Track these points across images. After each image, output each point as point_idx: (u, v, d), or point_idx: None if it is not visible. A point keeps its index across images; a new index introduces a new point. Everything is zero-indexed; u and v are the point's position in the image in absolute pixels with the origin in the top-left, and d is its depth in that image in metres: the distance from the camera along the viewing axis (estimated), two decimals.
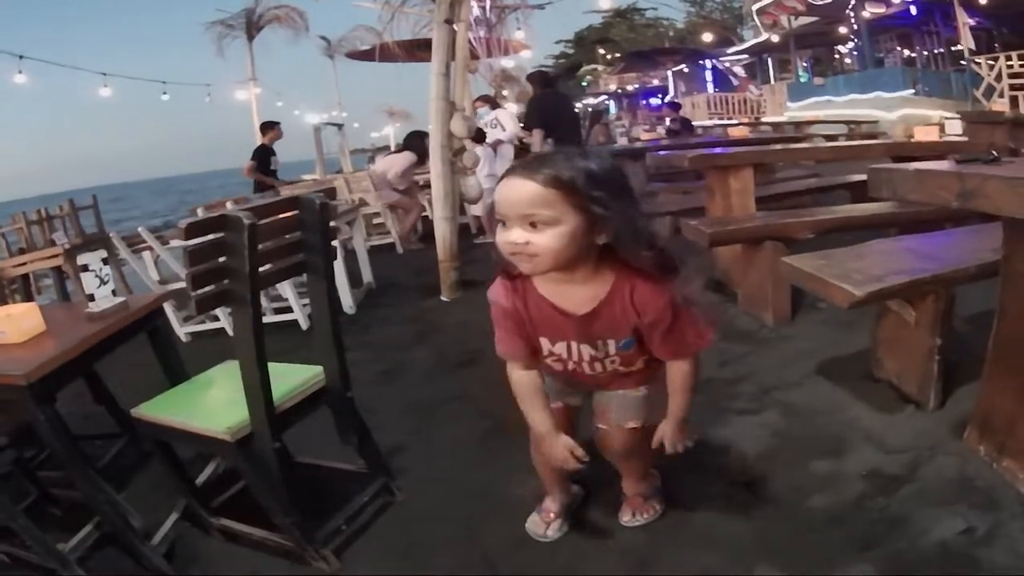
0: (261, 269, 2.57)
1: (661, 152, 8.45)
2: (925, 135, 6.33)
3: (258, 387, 2.64)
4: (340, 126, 16.77)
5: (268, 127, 12.05)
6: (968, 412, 3.11)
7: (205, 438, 2.76)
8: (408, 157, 10.15)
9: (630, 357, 2.43)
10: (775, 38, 29.59)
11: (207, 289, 2.52)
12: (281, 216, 2.76)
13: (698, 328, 2.35)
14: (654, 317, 2.26)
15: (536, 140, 9.55)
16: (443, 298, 6.79)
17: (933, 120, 16.93)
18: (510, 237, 2.06)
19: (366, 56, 16.40)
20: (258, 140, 12.16)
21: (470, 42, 9.18)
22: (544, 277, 2.24)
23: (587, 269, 2.20)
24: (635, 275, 2.20)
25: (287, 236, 2.79)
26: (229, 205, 6.79)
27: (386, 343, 5.69)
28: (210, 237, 2.47)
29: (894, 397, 3.57)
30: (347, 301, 6.62)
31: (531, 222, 2.02)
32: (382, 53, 13.54)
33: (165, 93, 22.62)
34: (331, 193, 3.03)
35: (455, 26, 6.92)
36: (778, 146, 8.06)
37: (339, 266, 6.39)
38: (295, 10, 18.90)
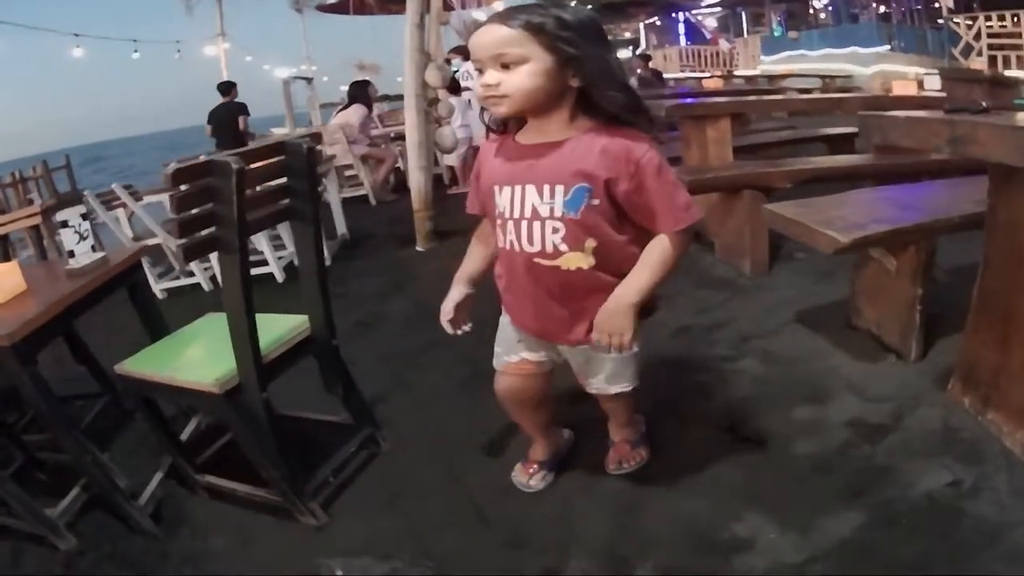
0: (249, 215, 2.51)
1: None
2: (903, 89, 6.38)
3: (246, 337, 2.59)
4: (310, 80, 16.58)
5: (229, 87, 12.65)
6: (950, 364, 3.12)
7: (192, 391, 2.71)
8: (360, 110, 10.13)
9: (575, 227, 2.16)
10: None
11: (194, 237, 2.45)
12: (267, 162, 2.68)
13: (685, 195, 2.18)
14: (635, 168, 2.10)
15: None
16: (418, 248, 6.76)
17: (909, 76, 16.99)
18: (484, 80, 2.06)
19: (338, 9, 16.22)
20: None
21: None
22: (525, 129, 2.23)
23: (562, 116, 2.15)
24: (614, 129, 2.13)
25: (273, 182, 2.73)
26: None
27: (362, 294, 5.65)
28: (197, 183, 2.41)
29: (874, 346, 3.57)
30: (323, 253, 6.49)
31: (502, 63, 2.03)
32: (354, 6, 13.38)
33: (136, 51, 22.42)
34: (317, 138, 2.95)
35: None
36: (755, 97, 8.04)
37: None
38: None
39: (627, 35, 44.01)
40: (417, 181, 6.72)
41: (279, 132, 12.45)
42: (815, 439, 2.92)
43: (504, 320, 2.69)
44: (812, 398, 3.21)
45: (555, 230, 2.17)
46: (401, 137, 10.31)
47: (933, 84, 6.70)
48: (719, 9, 36.30)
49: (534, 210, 2.18)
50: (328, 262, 6.51)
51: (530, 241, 2.22)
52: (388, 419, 3.49)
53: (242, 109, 12.19)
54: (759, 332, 3.93)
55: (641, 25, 40.95)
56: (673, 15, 38.91)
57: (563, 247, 2.19)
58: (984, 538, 2.29)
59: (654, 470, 2.87)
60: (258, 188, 2.68)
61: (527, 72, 2.02)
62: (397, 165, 10.35)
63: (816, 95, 8.54)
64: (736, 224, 4.86)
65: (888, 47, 21.18)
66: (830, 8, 31.38)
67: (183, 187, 2.38)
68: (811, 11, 33.47)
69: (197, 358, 2.91)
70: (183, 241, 2.43)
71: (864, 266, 3.66)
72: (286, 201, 2.77)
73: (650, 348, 3.74)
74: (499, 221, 2.29)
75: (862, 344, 3.62)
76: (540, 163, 2.16)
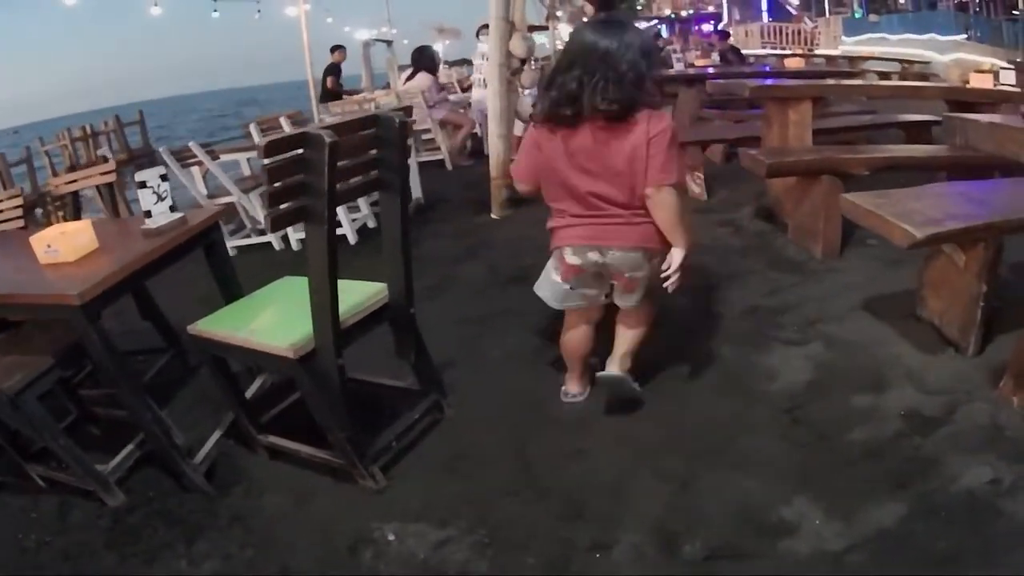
0: (338, 186, 2.57)
1: (719, 79, 8.35)
2: (980, 82, 6.24)
3: (327, 305, 2.66)
4: (389, 43, 16.62)
5: (335, 48, 13.15)
6: (1005, 360, 3.13)
7: (266, 355, 2.78)
8: (426, 78, 10.13)
9: None
10: None
11: (284, 206, 2.53)
12: (360, 133, 2.73)
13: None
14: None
15: None
16: (493, 215, 6.81)
17: (984, 66, 16.58)
18: None
19: None
20: (306, 54, 12.63)
21: None
22: None
23: None
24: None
25: (366, 153, 2.79)
26: (283, 121, 6.83)
27: (435, 258, 5.70)
28: (290, 154, 2.46)
29: (935, 338, 3.59)
30: None
31: None
32: None
33: (216, 11, 22.60)
34: (408, 111, 2.96)
35: None
36: (836, 81, 7.96)
37: None
38: None
39: (710, 8, 43.44)
40: (496, 149, 6.74)
41: (364, 94, 12.54)
42: (870, 427, 2.97)
43: None
44: (872, 386, 3.25)
45: None
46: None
47: (1008, 78, 6.56)
48: None
49: None
50: None
51: None
52: (455, 385, 3.57)
53: (330, 70, 12.67)
54: (826, 316, 3.95)
55: None
56: None
57: None
58: (1017, 537, 2.34)
59: (709, 445, 2.96)
60: (349, 161, 2.72)
61: None
62: (474, 131, 10.37)
63: (896, 83, 8.43)
64: (811, 207, 4.86)
65: (965, 36, 20.64)
66: None
67: (276, 158, 2.44)
68: None
69: (273, 322, 2.95)
70: (272, 210, 2.52)
71: (934, 258, 3.66)
72: (375, 172, 2.83)
73: (720, 327, 3.90)
74: None
75: (924, 335, 3.64)
76: None
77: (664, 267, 2.92)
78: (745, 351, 3.67)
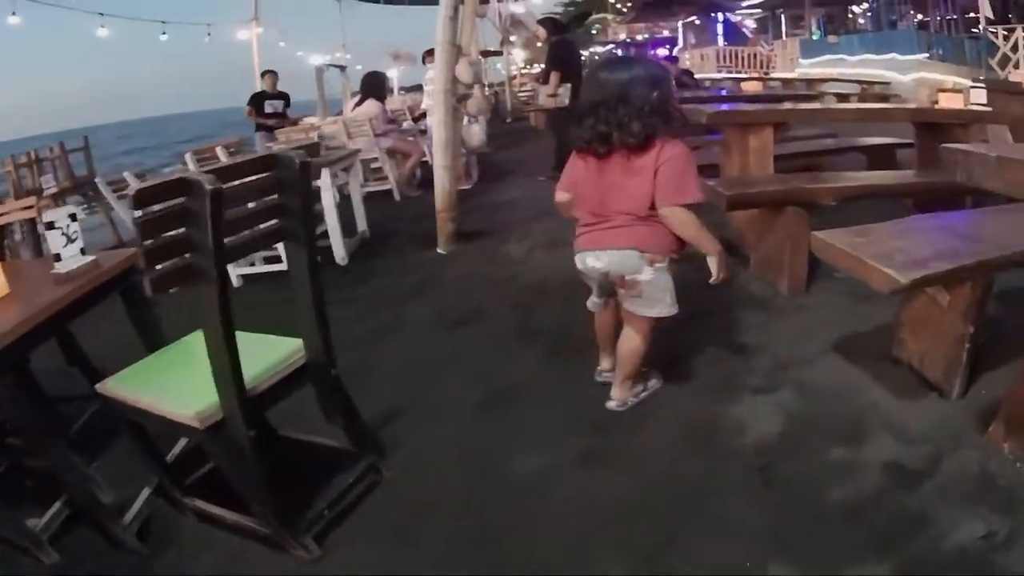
0: (231, 239, 2.27)
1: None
2: (950, 102, 6.08)
3: (228, 373, 2.36)
4: (343, 68, 16.52)
5: (264, 74, 13.21)
6: (991, 401, 2.99)
7: (174, 422, 2.51)
8: (374, 105, 9.90)
9: None
10: None
11: (165, 266, 2.21)
12: (254, 177, 2.44)
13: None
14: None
15: (553, 83, 9.59)
16: (440, 250, 6.55)
17: (947, 85, 16.69)
18: None
19: None
20: (257, 79, 12.53)
21: None
22: None
23: None
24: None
25: (263, 199, 2.50)
26: (219, 151, 6.53)
27: (380, 297, 5.46)
28: (168, 204, 2.16)
29: (915, 382, 3.37)
30: (339, 252, 6.39)
31: None
32: None
33: (164, 33, 22.29)
34: (314, 149, 2.74)
35: None
36: (799, 104, 7.81)
37: (332, 214, 6.24)
38: None
39: (665, 33, 43.75)
40: (441, 181, 6.50)
41: (311, 120, 12.35)
42: (849, 483, 2.77)
43: None
44: (849, 437, 3.04)
45: None
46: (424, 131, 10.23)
47: (979, 97, 6.43)
48: (759, 10, 35.94)
49: None
50: (346, 260, 6.40)
51: None
52: (399, 439, 3.34)
53: (253, 98, 12.68)
54: (796, 360, 3.72)
55: (680, 24, 40.64)
56: (712, 15, 38.58)
57: None
58: None
59: (683, 505, 2.76)
60: (242, 209, 2.43)
61: None
62: (424, 159, 10.09)
63: (863, 105, 8.29)
64: (775, 240, 4.63)
65: (927, 55, 20.83)
66: (869, 14, 31.03)
67: (151, 208, 2.14)
68: (850, 16, 33.12)
69: (184, 383, 2.63)
70: (150, 270, 2.18)
71: (913, 297, 3.42)
72: (276, 221, 2.53)
73: (682, 374, 3.69)
74: None
75: (903, 379, 3.41)
76: None
77: (711, 279, 3.19)
78: (710, 401, 3.42)
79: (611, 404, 3.43)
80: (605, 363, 3.69)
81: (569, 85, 9.60)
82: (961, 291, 3.05)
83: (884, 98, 18.37)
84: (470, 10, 6.91)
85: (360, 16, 21.99)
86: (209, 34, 23.53)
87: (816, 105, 7.57)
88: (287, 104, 12.90)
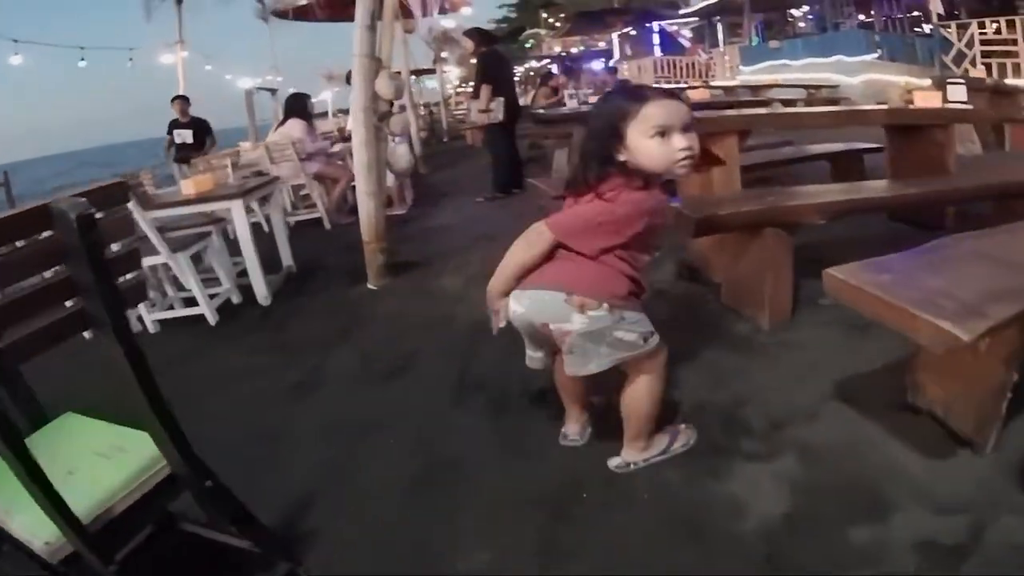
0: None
1: None
2: (926, 101, 5.64)
3: (49, 507, 1.74)
4: (274, 91, 16.03)
5: (173, 100, 12.65)
6: None
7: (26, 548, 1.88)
8: (297, 125, 9.36)
9: None
10: None
11: None
12: (26, 241, 1.75)
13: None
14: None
15: (484, 98, 9.27)
16: (370, 285, 5.99)
17: (899, 85, 16.56)
18: (682, 143, 2.47)
19: (297, 14, 15.57)
20: (203, 108, 12.36)
21: None
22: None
23: None
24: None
25: (41, 274, 1.78)
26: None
27: (303, 343, 4.86)
28: None
29: (939, 434, 2.86)
30: (261, 290, 5.82)
31: (687, 129, 2.49)
32: (314, 11, 12.76)
33: (83, 59, 21.54)
34: (115, 193, 1.93)
35: None
36: (739, 111, 7.38)
37: (250, 249, 5.71)
38: None
39: (601, 45, 43.76)
40: (367, 209, 5.96)
41: (245, 145, 11.79)
42: (875, 571, 2.27)
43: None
44: (870, 511, 2.51)
45: None
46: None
47: (958, 95, 5.99)
48: (695, 19, 36.04)
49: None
50: (268, 300, 5.82)
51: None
52: (321, 529, 2.78)
53: (170, 126, 12.34)
54: (793, 414, 3.16)
55: (614, 36, 40.60)
56: (648, 25, 38.63)
57: None
58: None
59: None
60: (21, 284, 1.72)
61: (697, 136, 2.52)
62: (353, 184, 9.52)
63: (837, 108, 7.92)
64: (751, 266, 4.10)
65: (876, 55, 20.88)
66: (810, 17, 31.14)
67: None
68: (790, 20, 33.27)
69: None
70: None
71: None
72: (71, 303, 1.79)
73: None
74: (647, 262, 2.71)
75: (924, 431, 2.90)
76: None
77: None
78: (697, 474, 2.83)
79: (613, 463, 2.91)
80: (571, 427, 3.15)
81: (502, 99, 9.33)
82: (1006, 333, 2.51)
83: (833, 102, 18.18)
84: (389, 20, 6.34)
85: (292, 36, 21.38)
86: (131, 59, 22.86)
87: (787, 109, 7.07)
88: (206, 132, 12.32)
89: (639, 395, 2.78)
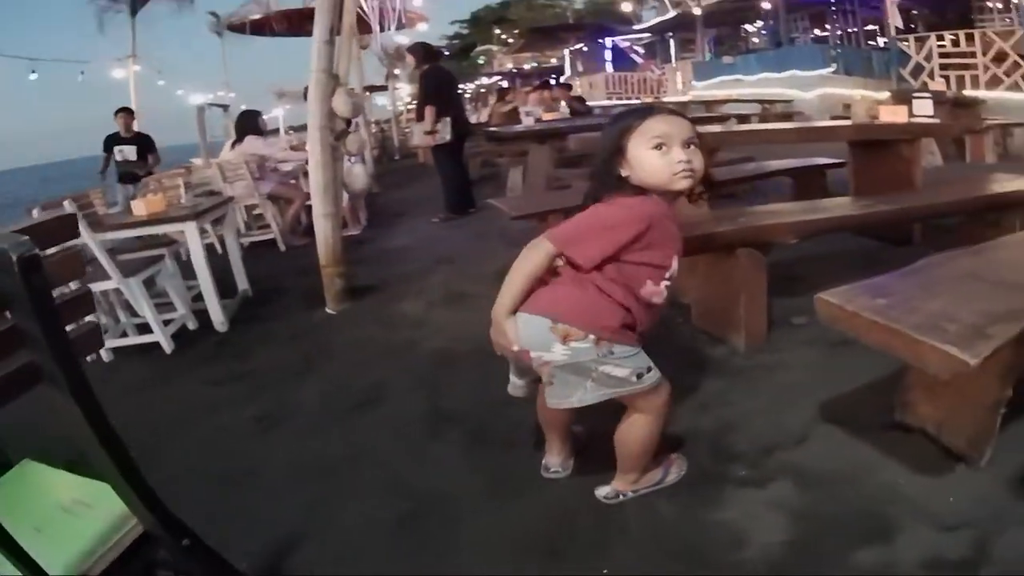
0: None
1: (580, 133, 7.65)
2: (892, 116, 5.66)
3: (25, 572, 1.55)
4: (226, 107, 15.98)
5: (116, 112, 11.98)
6: (1021, 464, 2.69)
7: None
8: (252, 143, 9.21)
9: None
10: (698, 10, 29.07)
11: None
12: None
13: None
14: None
15: (429, 119, 9.11)
16: (329, 310, 5.85)
17: (855, 99, 16.71)
18: (681, 156, 2.49)
19: (253, 28, 15.45)
20: (154, 124, 12.00)
21: (361, 10, 8.36)
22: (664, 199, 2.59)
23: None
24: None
25: None
26: (67, 204, 5.72)
27: (266, 373, 4.69)
28: None
29: (934, 452, 2.86)
30: (217, 316, 5.67)
31: (689, 144, 2.52)
32: (270, 25, 12.62)
33: (34, 72, 21.24)
34: (63, 228, 1.73)
35: None
36: (716, 127, 7.38)
37: (205, 273, 5.56)
38: None
39: (553, 61, 43.92)
40: (324, 231, 5.82)
41: (197, 162, 11.64)
42: None
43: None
44: (873, 533, 2.49)
45: None
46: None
47: (924, 109, 6.04)
48: (648, 35, 36.27)
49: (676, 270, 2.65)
50: (225, 327, 5.67)
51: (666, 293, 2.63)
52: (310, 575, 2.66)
53: (107, 142, 11.74)
54: (781, 438, 3.12)
55: (566, 51, 40.77)
56: (600, 41, 38.82)
57: None
58: None
59: None
60: None
61: (700, 156, 2.57)
62: (308, 203, 9.41)
63: (805, 124, 7.96)
64: (724, 288, 4.05)
65: (831, 70, 21.10)
66: (763, 32, 31.46)
67: None
68: (743, 35, 33.60)
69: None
70: None
71: None
72: (21, 357, 1.56)
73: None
74: (667, 282, 2.61)
75: (917, 449, 2.89)
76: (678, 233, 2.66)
77: None
78: (690, 505, 2.76)
79: (601, 492, 2.85)
80: (552, 458, 3.07)
81: (449, 119, 9.15)
82: (1001, 351, 2.49)
83: (788, 116, 18.37)
84: (347, 35, 6.27)
85: (245, 51, 21.24)
86: (83, 72, 22.58)
87: (746, 125, 7.08)
88: (149, 149, 11.83)
89: (635, 433, 2.71)
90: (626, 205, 2.51)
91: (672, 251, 2.59)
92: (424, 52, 9.79)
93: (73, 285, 2.79)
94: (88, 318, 1.81)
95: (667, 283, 2.59)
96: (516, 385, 2.83)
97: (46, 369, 1.53)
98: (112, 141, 11.62)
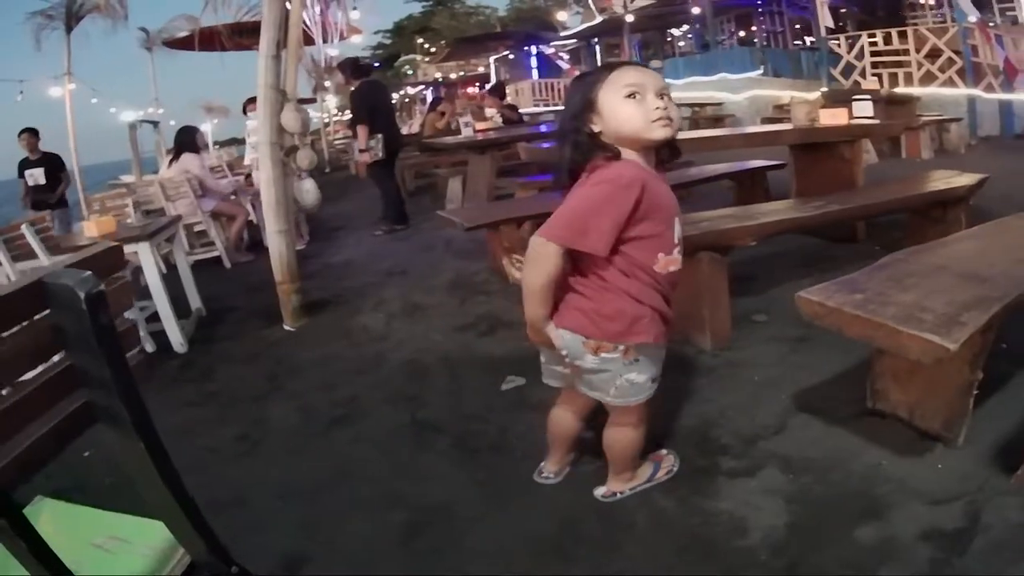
0: None
1: (528, 144, 7.76)
2: (833, 118, 5.85)
3: None
4: (156, 124, 15.88)
5: (20, 133, 11.49)
6: (1001, 441, 2.88)
7: None
8: (193, 161, 9.09)
9: None
10: (629, 18, 29.14)
11: None
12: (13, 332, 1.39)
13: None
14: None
15: (362, 137, 9.23)
16: (287, 327, 5.82)
17: (783, 100, 17.01)
18: (658, 103, 2.41)
19: (186, 43, 15.32)
20: (71, 138, 11.54)
21: (305, 25, 8.34)
22: (643, 161, 2.51)
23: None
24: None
25: (37, 365, 1.45)
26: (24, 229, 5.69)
27: (234, 394, 4.64)
28: None
29: (910, 434, 3.05)
30: (176, 337, 5.60)
31: (663, 94, 2.44)
32: (202, 40, 12.52)
33: None
34: (112, 259, 1.69)
35: (288, 1, 5.98)
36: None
37: (162, 295, 5.53)
38: None
39: (480, 70, 43.98)
40: (278, 248, 5.78)
41: (127, 179, 11.50)
42: (896, 564, 2.40)
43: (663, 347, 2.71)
44: (868, 511, 2.64)
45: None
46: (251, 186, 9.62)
47: (864, 110, 6.25)
48: (573, 41, 36.46)
49: (680, 235, 2.59)
50: (185, 347, 5.60)
51: (680, 264, 2.60)
52: None
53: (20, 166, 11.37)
54: (762, 429, 3.26)
55: (492, 59, 40.86)
56: (525, 48, 38.96)
57: None
58: None
59: None
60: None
61: (675, 106, 2.49)
62: (250, 219, 9.49)
63: (751, 129, 8.13)
64: (688, 292, 4.13)
65: (760, 71, 21.38)
66: (690, 36, 31.82)
67: None
68: (669, 39, 33.93)
69: None
70: None
71: None
72: (77, 398, 1.50)
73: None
74: (678, 247, 2.57)
75: (894, 432, 3.07)
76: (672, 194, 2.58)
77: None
78: (687, 498, 2.86)
79: (599, 492, 2.92)
80: (550, 466, 3.11)
81: (381, 136, 9.26)
82: (971, 336, 2.66)
83: (719, 119, 18.65)
84: (294, 49, 6.23)
85: (174, 67, 21.01)
86: (22, 92, 22.13)
87: (704, 133, 7.25)
88: (59, 169, 11.40)
89: (622, 436, 2.79)
90: (608, 178, 2.40)
91: (669, 213, 2.50)
92: (353, 68, 9.87)
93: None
94: (135, 351, 1.77)
95: (678, 248, 2.54)
96: (553, 371, 2.81)
97: (105, 407, 1.49)
98: (24, 165, 11.23)
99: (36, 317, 1.39)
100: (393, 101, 13.26)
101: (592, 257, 2.44)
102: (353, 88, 9.63)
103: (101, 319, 1.38)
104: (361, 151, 9.27)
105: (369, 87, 9.65)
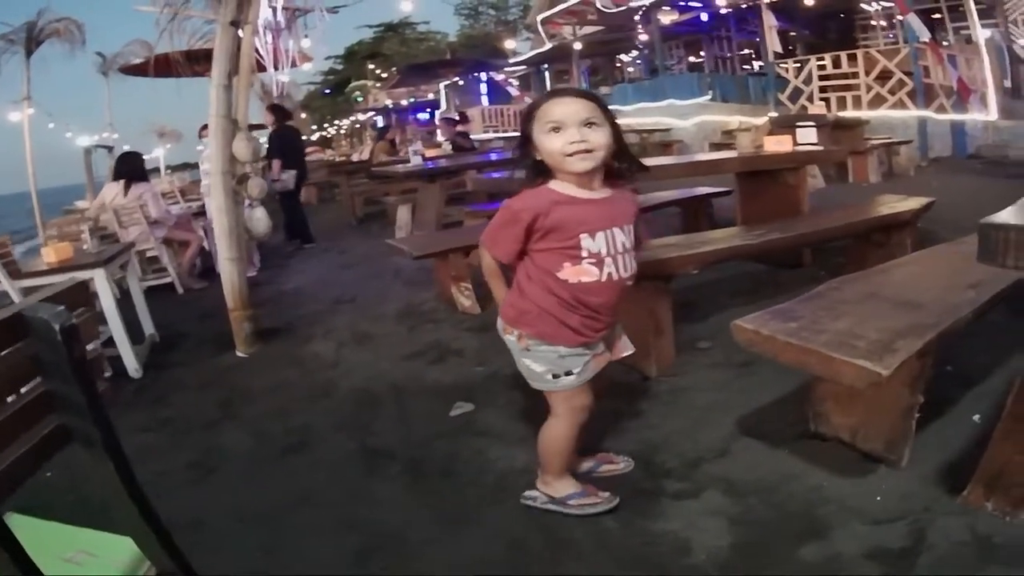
0: None
1: (481, 174, 7.83)
2: (777, 145, 5.94)
3: None
4: (110, 148, 15.81)
5: None
6: (944, 463, 2.95)
7: None
8: (145, 188, 9.06)
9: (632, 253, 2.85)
10: (578, 45, 29.30)
11: None
12: None
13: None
14: (637, 209, 2.92)
15: (276, 169, 10.87)
16: (240, 353, 5.83)
17: (732, 125, 17.18)
18: (573, 137, 2.59)
19: (140, 70, 15.22)
20: (29, 163, 11.64)
21: (256, 51, 8.35)
22: (566, 183, 2.71)
23: (600, 174, 2.74)
24: (615, 182, 2.79)
25: (15, 390, 1.60)
26: None
27: (187, 419, 4.64)
28: None
29: (852, 456, 3.11)
30: (131, 363, 5.58)
31: (587, 123, 2.60)
32: (157, 65, 12.51)
33: None
34: (77, 295, 1.88)
35: (240, 30, 6.00)
36: None
37: (116, 320, 5.54)
38: (74, 22, 17.19)
39: (430, 96, 43.95)
40: (230, 275, 5.80)
41: (82, 204, 11.45)
42: None
43: (567, 350, 2.83)
44: (810, 531, 2.70)
45: (632, 258, 2.84)
46: (203, 214, 9.63)
47: (808, 137, 6.38)
48: (523, 67, 36.60)
49: (623, 246, 2.76)
50: (140, 372, 5.60)
51: (625, 269, 2.79)
52: None
53: None
54: (706, 452, 3.33)
55: (442, 86, 40.88)
56: (475, 75, 39.06)
57: (633, 268, 2.86)
58: None
59: None
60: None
61: (603, 133, 2.64)
62: (203, 245, 9.46)
63: (698, 157, 8.23)
64: (632, 319, 4.17)
65: (708, 97, 21.52)
66: (639, 62, 32.06)
67: None
68: (618, 65, 34.15)
69: None
70: None
71: None
72: (51, 421, 1.62)
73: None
74: (590, 260, 2.70)
75: (836, 455, 3.14)
76: (612, 211, 2.73)
77: None
78: (632, 519, 2.92)
79: (526, 494, 3.11)
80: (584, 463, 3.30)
81: (294, 172, 11.19)
82: (908, 361, 2.74)
83: (666, 145, 18.80)
84: (245, 79, 6.27)
85: (128, 92, 20.83)
86: None
87: (656, 160, 7.35)
88: None
89: (549, 433, 2.96)
90: (507, 204, 2.74)
91: (576, 231, 2.66)
92: (279, 113, 11.53)
93: None
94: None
95: (591, 261, 2.70)
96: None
97: (78, 429, 1.63)
98: None
99: (15, 346, 1.53)
100: (340, 126, 14.75)
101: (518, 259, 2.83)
102: (275, 132, 11.34)
103: (75, 349, 1.55)
104: (274, 180, 10.80)
105: (287, 130, 11.62)
